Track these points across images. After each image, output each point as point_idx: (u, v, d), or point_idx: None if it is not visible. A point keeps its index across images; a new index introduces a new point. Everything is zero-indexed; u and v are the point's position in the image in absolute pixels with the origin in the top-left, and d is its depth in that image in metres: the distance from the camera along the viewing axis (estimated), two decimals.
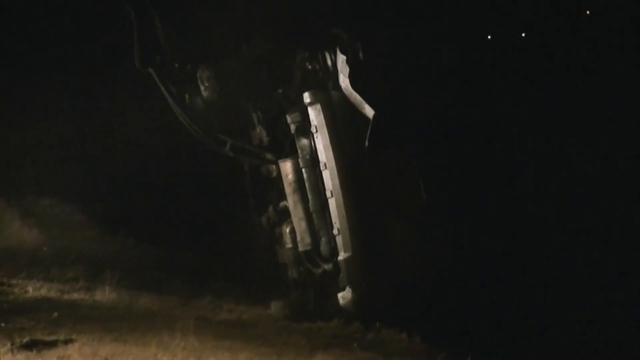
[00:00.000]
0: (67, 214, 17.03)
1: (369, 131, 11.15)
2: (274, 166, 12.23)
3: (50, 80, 17.95)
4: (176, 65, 12.48)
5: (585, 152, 13.51)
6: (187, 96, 12.49)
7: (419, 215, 11.56)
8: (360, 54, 11.48)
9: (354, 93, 11.34)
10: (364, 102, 11.24)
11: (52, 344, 8.59)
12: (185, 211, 15.82)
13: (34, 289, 11.45)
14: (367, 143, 11.17)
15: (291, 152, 11.93)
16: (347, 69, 11.39)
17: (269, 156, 12.30)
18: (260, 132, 12.37)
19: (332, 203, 11.33)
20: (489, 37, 13.97)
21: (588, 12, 14.11)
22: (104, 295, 11.42)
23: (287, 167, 11.87)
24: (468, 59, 13.16)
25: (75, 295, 11.39)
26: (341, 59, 11.46)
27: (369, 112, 11.19)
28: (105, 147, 16.80)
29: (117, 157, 16.88)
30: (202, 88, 12.37)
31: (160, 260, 14.61)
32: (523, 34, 14.19)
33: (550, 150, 13.57)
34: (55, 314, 10.08)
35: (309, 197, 11.63)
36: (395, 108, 11.52)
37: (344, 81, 11.43)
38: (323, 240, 11.59)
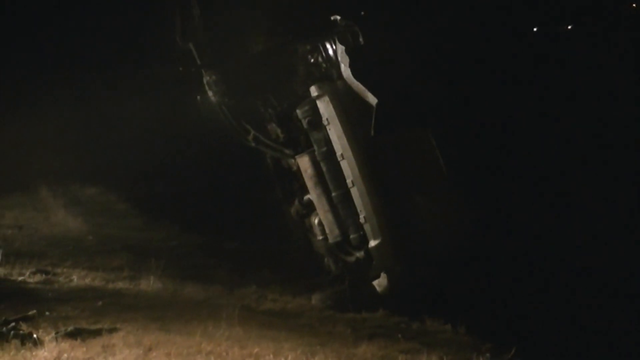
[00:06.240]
0: (112, 203, 17.13)
1: (373, 118, 11.12)
2: (293, 160, 12.22)
3: (94, 70, 18.10)
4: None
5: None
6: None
7: (442, 190, 11.48)
8: (360, 39, 11.45)
9: (356, 82, 11.31)
10: (366, 90, 11.21)
11: (97, 333, 8.63)
12: (230, 199, 15.84)
13: (78, 278, 11.52)
14: (372, 131, 11.14)
15: (307, 146, 11.89)
16: (347, 59, 11.38)
17: (286, 151, 12.30)
18: (275, 129, 12.36)
19: (355, 192, 11.29)
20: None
21: (634, 5, 13.84)
22: (149, 284, 11.45)
23: (305, 162, 11.84)
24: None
25: (120, 284, 11.44)
26: (341, 48, 11.45)
27: (372, 99, 11.16)
28: (152, 137, 16.86)
29: (164, 147, 16.96)
30: (210, 92, 12.41)
31: (205, 248, 14.62)
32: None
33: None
34: (100, 302, 10.14)
35: (331, 189, 11.59)
36: (402, 90, 11.49)
37: (346, 71, 11.41)
38: (351, 229, 11.53)
